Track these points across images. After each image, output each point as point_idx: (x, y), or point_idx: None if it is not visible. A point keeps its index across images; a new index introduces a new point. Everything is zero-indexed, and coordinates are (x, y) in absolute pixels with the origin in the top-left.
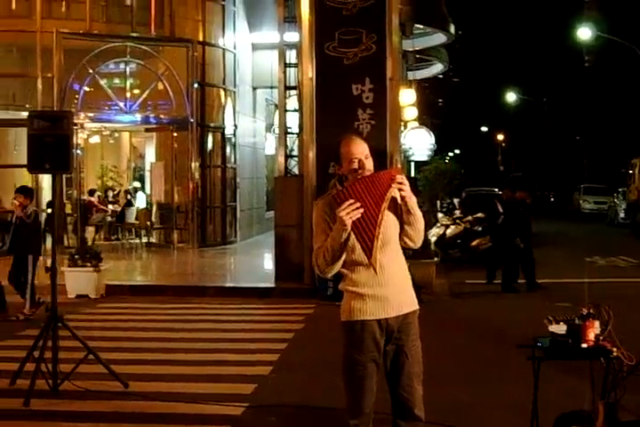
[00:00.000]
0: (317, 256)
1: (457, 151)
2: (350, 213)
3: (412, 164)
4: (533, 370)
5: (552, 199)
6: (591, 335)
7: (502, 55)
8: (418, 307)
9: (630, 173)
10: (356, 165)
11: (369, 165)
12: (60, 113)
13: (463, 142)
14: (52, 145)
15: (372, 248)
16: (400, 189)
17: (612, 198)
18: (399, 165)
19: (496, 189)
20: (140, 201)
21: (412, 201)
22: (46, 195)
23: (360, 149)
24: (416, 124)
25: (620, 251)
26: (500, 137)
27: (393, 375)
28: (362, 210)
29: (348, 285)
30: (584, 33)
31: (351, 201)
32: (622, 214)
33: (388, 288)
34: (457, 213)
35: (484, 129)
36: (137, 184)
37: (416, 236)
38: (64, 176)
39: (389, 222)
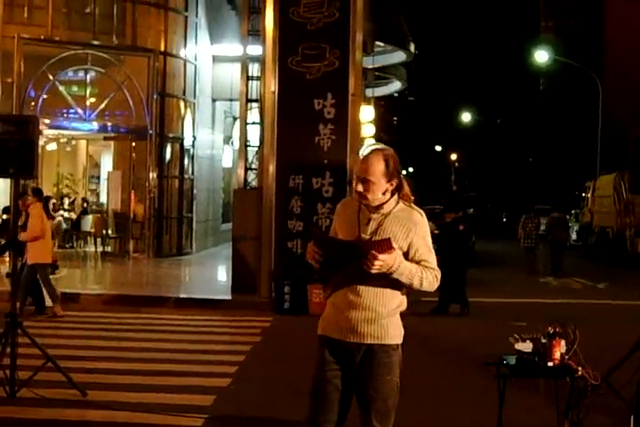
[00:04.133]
0: None
1: (410, 170)
2: (309, 257)
3: None
4: (498, 388)
5: (505, 220)
6: (557, 354)
7: (458, 76)
8: (392, 342)
9: (583, 195)
10: (359, 188)
11: (372, 188)
12: (26, 117)
13: (417, 161)
14: (16, 149)
15: (326, 290)
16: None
17: None
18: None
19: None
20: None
21: (397, 273)
22: (1, 201)
23: (369, 169)
24: (373, 140)
25: (573, 272)
26: (454, 156)
27: (360, 409)
28: (314, 261)
29: (329, 297)
30: (540, 56)
31: (318, 252)
32: (574, 236)
33: (355, 313)
34: None
35: (439, 148)
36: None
37: (419, 289)
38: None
39: None
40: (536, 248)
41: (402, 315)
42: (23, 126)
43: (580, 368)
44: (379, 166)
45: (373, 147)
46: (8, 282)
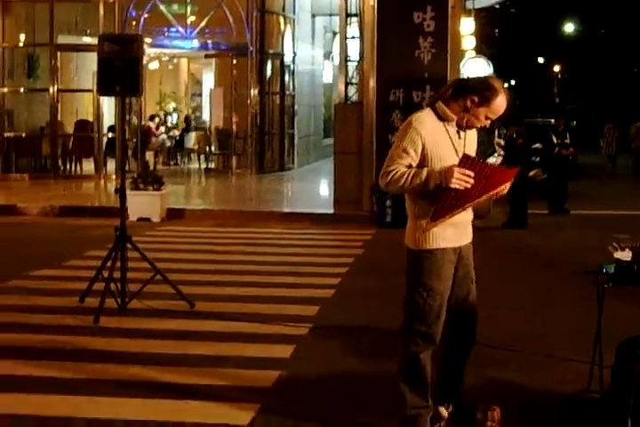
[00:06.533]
0: (394, 175)
1: (512, 82)
2: (460, 182)
3: None
4: (597, 296)
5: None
6: None
7: None
8: None
9: None
10: (486, 124)
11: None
12: (131, 36)
13: (519, 73)
14: (121, 68)
15: (444, 215)
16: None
17: None
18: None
19: (552, 121)
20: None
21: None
22: (107, 120)
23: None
24: (474, 53)
25: None
26: (557, 68)
27: (458, 301)
28: (469, 186)
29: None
30: None
31: (471, 175)
32: None
33: (463, 217)
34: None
35: (541, 60)
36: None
37: None
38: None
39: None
40: (616, 157)
41: (496, 229)
42: (128, 45)
43: None
44: None
45: (499, 83)
46: (117, 197)
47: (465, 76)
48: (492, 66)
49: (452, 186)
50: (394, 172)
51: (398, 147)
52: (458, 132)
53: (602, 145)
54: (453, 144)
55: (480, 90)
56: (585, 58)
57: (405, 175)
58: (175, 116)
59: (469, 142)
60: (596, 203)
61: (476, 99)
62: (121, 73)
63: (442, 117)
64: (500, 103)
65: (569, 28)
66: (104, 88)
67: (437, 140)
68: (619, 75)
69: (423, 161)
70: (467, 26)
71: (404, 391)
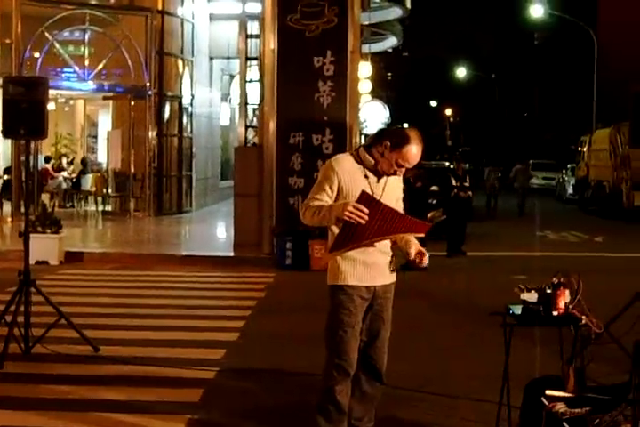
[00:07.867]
0: (307, 209)
1: (405, 125)
2: (353, 216)
3: (363, 137)
4: (505, 337)
5: (499, 175)
6: (562, 304)
7: (453, 30)
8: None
9: (579, 149)
10: (397, 173)
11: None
12: (36, 79)
13: (412, 116)
14: (27, 110)
15: (339, 248)
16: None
17: (561, 174)
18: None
19: (447, 163)
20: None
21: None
22: (1, 162)
23: (417, 160)
24: (369, 97)
25: (570, 226)
26: (449, 112)
27: (368, 339)
28: (363, 222)
29: (343, 252)
30: (536, 10)
31: (366, 211)
32: (570, 190)
33: (380, 257)
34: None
35: (434, 104)
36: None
37: None
38: (20, 142)
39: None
40: (498, 195)
41: (397, 271)
42: (33, 88)
43: (583, 317)
44: None
45: (415, 133)
46: (21, 241)
47: (363, 120)
48: (387, 109)
49: (345, 218)
50: (307, 204)
51: (317, 183)
52: (377, 177)
53: (486, 186)
54: (370, 187)
55: (394, 136)
56: (476, 101)
57: (315, 208)
58: (71, 157)
59: (390, 189)
60: (488, 244)
61: (389, 143)
62: (26, 115)
63: (360, 161)
64: (412, 151)
65: (460, 72)
66: (9, 130)
67: (353, 180)
68: (510, 118)
69: (338, 197)
70: (364, 70)
71: (320, 423)
